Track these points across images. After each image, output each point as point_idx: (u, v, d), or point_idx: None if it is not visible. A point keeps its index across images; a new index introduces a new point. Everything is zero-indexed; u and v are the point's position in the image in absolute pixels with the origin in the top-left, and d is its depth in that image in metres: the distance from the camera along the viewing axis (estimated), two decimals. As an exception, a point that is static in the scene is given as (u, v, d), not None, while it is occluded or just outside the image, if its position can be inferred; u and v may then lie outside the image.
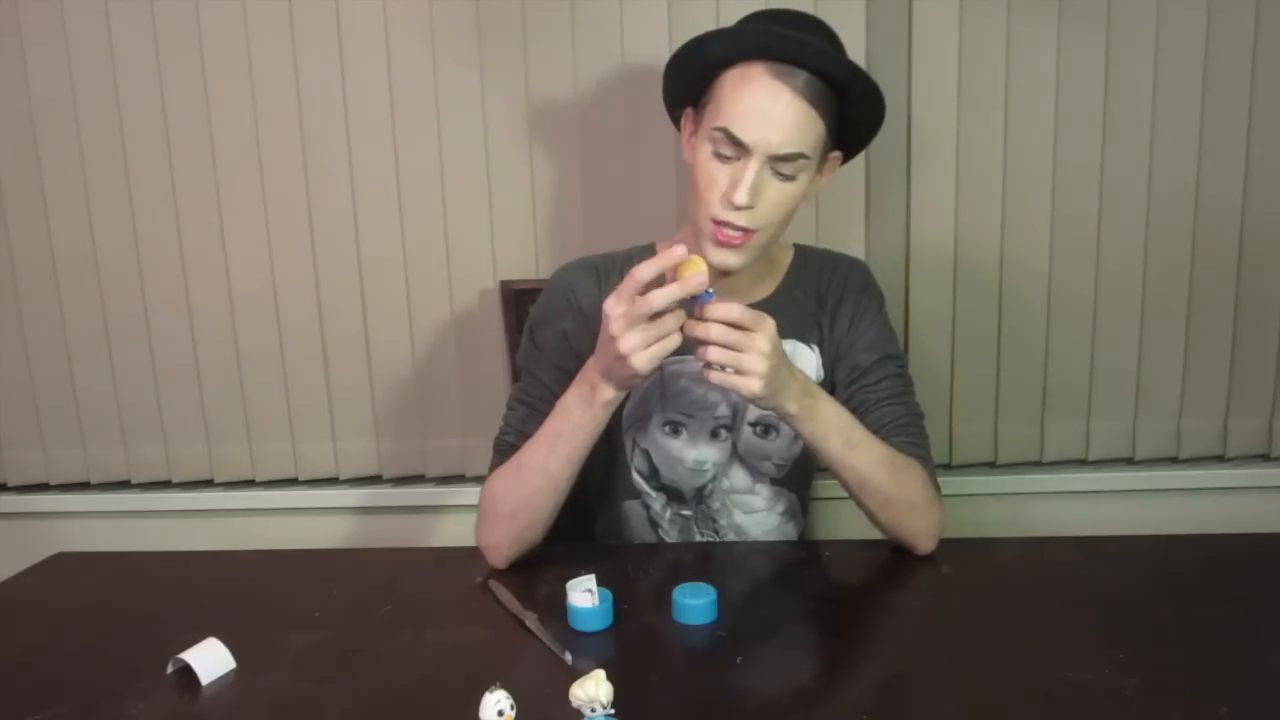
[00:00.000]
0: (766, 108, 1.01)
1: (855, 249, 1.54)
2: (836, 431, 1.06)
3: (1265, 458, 1.63)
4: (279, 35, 1.52)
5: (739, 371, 0.95)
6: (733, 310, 0.94)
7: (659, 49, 1.48)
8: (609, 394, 1.00)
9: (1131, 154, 1.53)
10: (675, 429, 1.18)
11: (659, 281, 0.94)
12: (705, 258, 1.00)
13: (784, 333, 1.17)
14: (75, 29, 1.52)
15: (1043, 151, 1.53)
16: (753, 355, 0.95)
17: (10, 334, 1.63)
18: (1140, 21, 1.48)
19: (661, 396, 1.18)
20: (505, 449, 1.14)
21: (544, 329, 1.17)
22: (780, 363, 0.98)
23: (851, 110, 1.07)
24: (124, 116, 1.55)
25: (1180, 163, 1.53)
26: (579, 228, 1.56)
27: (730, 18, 1.12)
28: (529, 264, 1.58)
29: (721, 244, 1.05)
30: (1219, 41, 1.48)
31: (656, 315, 0.93)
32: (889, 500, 1.08)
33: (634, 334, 0.92)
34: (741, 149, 1.02)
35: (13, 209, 1.59)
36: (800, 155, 1.02)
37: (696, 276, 0.92)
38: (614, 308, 0.93)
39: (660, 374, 1.17)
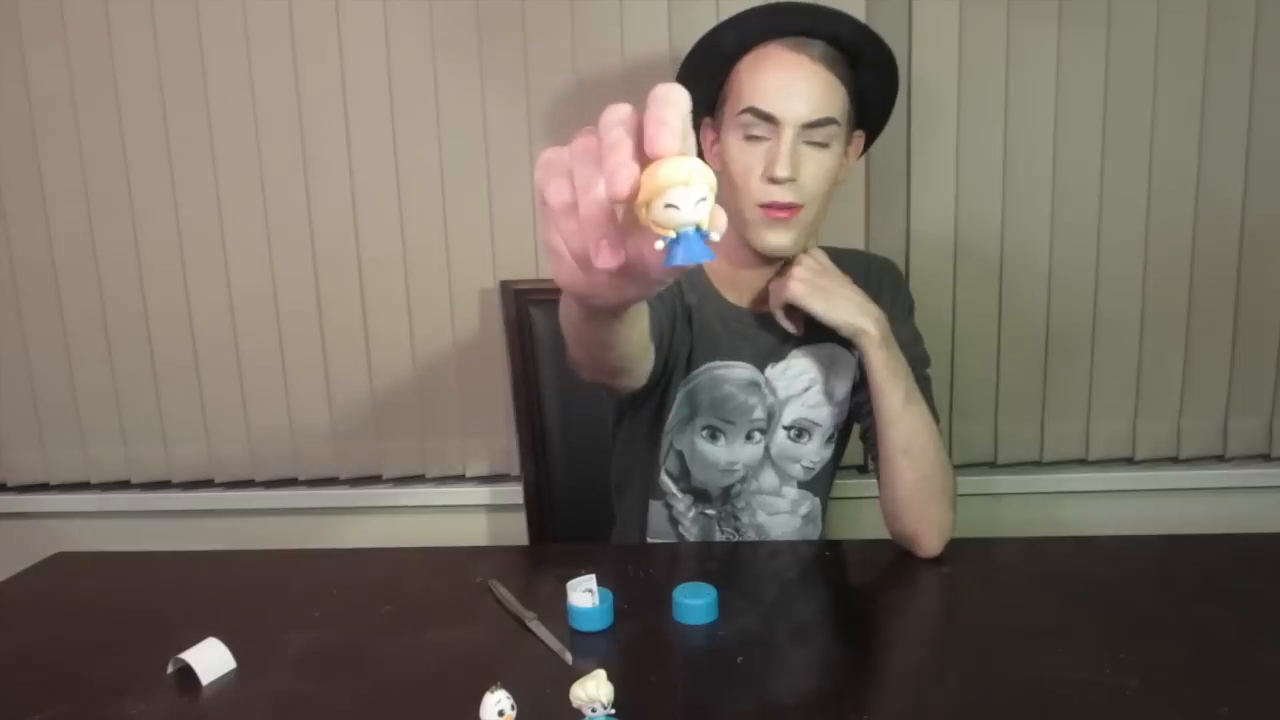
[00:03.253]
0: (789, 79, 1.03)
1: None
2: (905, 375, 1.06)
3: (1265, 458, 1.63)
4: (279, 35, 1.52)
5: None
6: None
7: (659, 49, 1.48)
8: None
9: (1131, 154, 1.53)
10: (714, 434, 1.17)
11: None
12: (756, 247, 1.02)
13: (820, 336, 1.15)
14: (75, 29, 1.52)
15: (1043, 152, 1.53)
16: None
17: (10, 334, 1.63)
18: (1140, 22, 1.48)
19: (705, 401, 1.17)
20: None
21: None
22: (826, 274, 1.04)
23: (866, 80, 1.08)
24: (124, 116, 1.55)
25: (1180, 163, 1.53)
26: (579, 228, 1.56)
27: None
28: (529, 264, 1.58)
29: (772, 221, 1.05)
30: (1219, 41, 1.49)
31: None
32: (924, 475, 1.06)
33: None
34: (772, 124, 1.03)
35: (13, 209, 1.59)
36: (830, 120, 1.03)
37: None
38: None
39: (707, 377, 1.16)
